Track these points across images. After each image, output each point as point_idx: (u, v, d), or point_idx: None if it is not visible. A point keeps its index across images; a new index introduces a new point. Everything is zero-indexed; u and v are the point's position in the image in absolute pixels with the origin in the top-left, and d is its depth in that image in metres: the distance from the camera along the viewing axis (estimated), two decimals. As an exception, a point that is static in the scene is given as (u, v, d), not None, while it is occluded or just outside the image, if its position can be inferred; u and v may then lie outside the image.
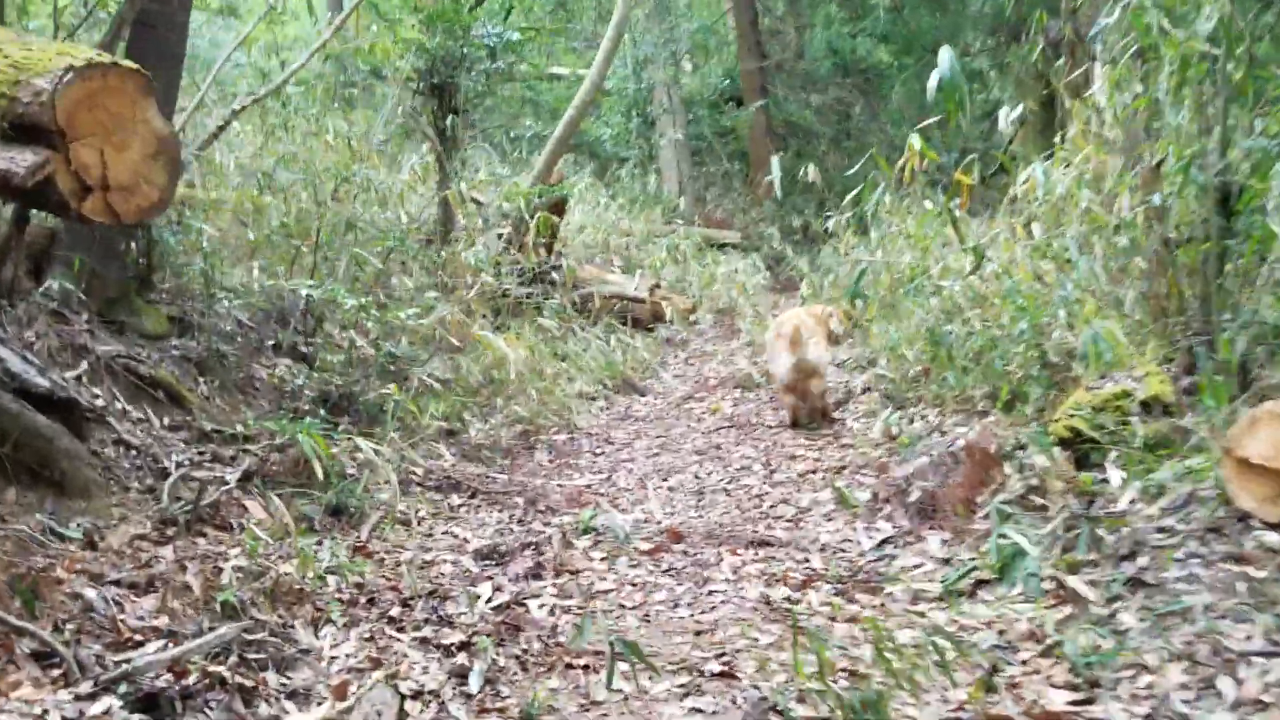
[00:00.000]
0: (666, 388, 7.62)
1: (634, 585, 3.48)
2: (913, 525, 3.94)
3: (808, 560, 3.71)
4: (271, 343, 5.05)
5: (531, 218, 7.53)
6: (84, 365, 4.02)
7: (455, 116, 7.86)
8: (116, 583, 2.97)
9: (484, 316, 6.54)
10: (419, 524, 4.16)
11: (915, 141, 5.78)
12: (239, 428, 4.24)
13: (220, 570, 3.19)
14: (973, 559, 3.65)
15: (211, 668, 2.58)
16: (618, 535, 3.94)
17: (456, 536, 4.06)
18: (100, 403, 3.90)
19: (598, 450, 5.78)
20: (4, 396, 3.35)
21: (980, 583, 3.45)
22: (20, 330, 3.90)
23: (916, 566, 3.64)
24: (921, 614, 3.23)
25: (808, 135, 17.15)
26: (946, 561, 3.68)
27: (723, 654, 2.86)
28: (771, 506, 4.45)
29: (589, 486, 4.97)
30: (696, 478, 5.09)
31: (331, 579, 3.35)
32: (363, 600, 3.25)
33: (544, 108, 16.18)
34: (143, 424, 3.99)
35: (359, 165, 6.03)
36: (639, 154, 14.26)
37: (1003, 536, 3.61)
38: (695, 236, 12.00)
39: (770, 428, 6.06)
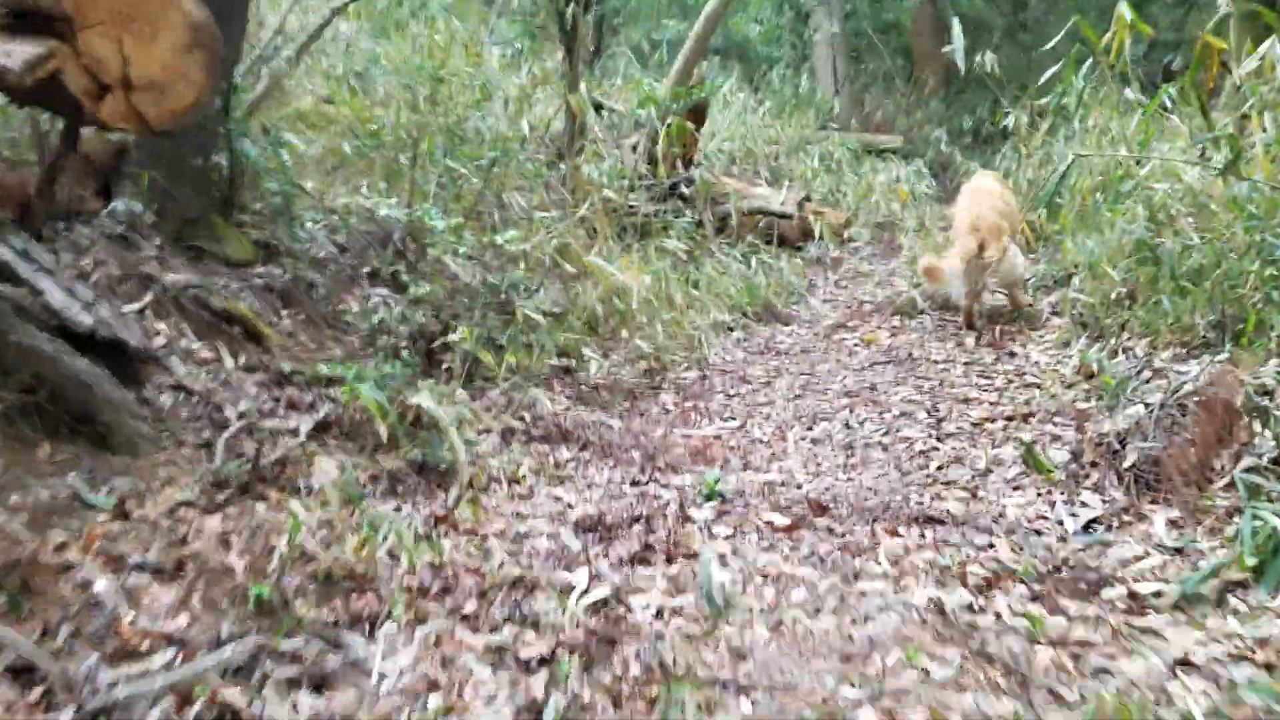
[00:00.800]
0: (814, 315, 6.76)
1: (764, 576, 2.77)
2: (1129, 499, 3.05)
3: (991, 546, 2.89)
4: (368, 270, 4.53)
5: (665, 125, 6.71)
6: (148, 297, 3.58)
7: (582, 10, 7.07)
8: (140, 566, 2.50)
9: (609, 238, 5.84)
10: (518, 483, 3.57)
11: (1125, 10, 4.62)
12: (323, 369, 3.74)
13: (273, 549, 2.69)
14: (1216, 548, 2.77)
15: (225, 691, 2.07)
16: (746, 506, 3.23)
17: (559, 500, 3.44)
18: (161, 341, 3.45)
19: (731, 391, 5.04)
20: (39, 336, 2.92)
21: (1231, 585, 2.57)
22: (77, 259, 3.48)
23: (1139, 559, 2.78)
24: (1154, 632, 2.39)
25: (979, 27, 15.37)
26: (1179, 551, 2.79)
27: (879, 695, 2.13)
28: (940, 468, 3.62)
29: (718, 437, 4.26)
30: (847, 427, 4.29)
31: (404, 557, 2.80)
32: (435, 589, 2.68)
33: (691, 10, 15.10)
34: (211, 365, 3.53)
35: (468, 66, 5.37)
36: (791, 54, 13.03)
37: (1256, 518, 2.70)
38: (851, 142, 10.87)
39: (936, 363, 5.16)
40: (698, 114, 8.20)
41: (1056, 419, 4.02)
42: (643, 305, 5.41)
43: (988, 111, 13.25)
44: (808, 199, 9.12)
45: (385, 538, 2.73)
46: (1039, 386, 4.53)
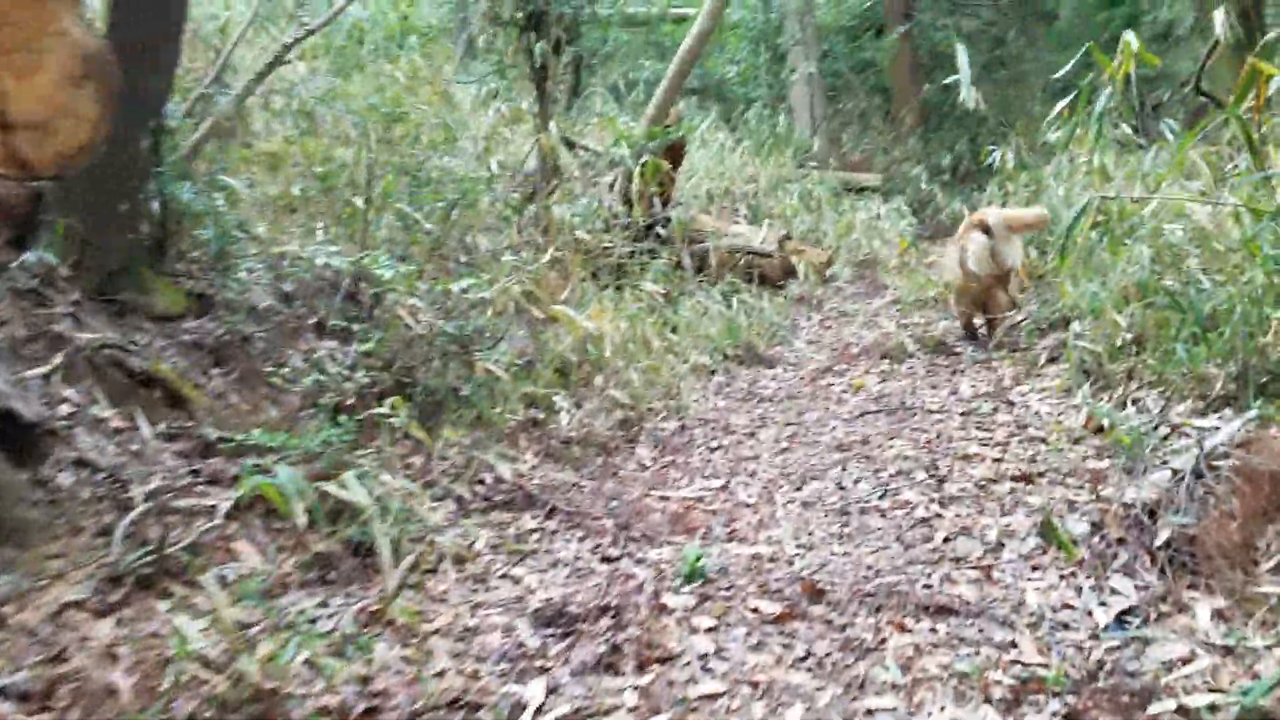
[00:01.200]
0: (799, 357, 6.36)
1: (753, 686, 2.32)
2: (1166, 584, 2.62)
3: (1014, 645, 2.45)
4: (315, 321, 4.09)
5: (639, 163, 6.33)
6: (58, 359, 3.13)
7: (552, 49, 6.72)
8: (2, 691, 2.04)
9: (582, 281, 5.43)
10: (471, 563, 3.11)
11: (1132, 39, 4.29)
12: (256, 434, 3.28)
13: (169, 661, 2.22)
14: (1272, 646, 2.34)
15: None
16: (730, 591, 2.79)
17: (518, 583, 2.99)
18: (67, 409, 2.99)
19: (713, 444, 4.61)
20: (-93, 412, 2.47)
21: (1295, 693, 2.15)
22: (-28, 318, 3.03)
23: (1184, 660, 2.34)
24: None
25: (955, 66, 15.21)
26: (1229, 651, 2.36)
27: None
28: (947, 540, 3.19)
29: (699, 500, 3.82)
30: (839, 487, 3.86)
31: (326, 666, 2.34)
32: (358, 711, 2.22)
33: (668, 50, 14.86)
34: (124, 435, 3.07)
35: (428, 105, 4.98)
36: (768, 94, 12.76)
37: (1315, 611, 2.29)
38: (830, 181, 10.56)
39: (931, 412, 4.75)
40: (675, 152, 7.85)
41: (1069, 480, 3.60)
42: (617, 351, 4.98)
43: (966, 148, 13.02)
44: (788, 237, 8.77)
45: (300, 646, 2.26)
46: (1044, 441, 4.12)
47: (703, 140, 10.08)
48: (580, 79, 14.99)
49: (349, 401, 3.72)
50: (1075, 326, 4.88)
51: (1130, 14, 13.65)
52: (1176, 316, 4.13)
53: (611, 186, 7.45)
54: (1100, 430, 4.05)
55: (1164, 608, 2.51)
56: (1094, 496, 3.28)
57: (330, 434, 3.13)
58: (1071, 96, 4.16)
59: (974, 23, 14.52)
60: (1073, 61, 3.56)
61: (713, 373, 5.98)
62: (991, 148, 7.16)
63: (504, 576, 3.04)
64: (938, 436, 4.36)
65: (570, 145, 8.06)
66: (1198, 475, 2.87)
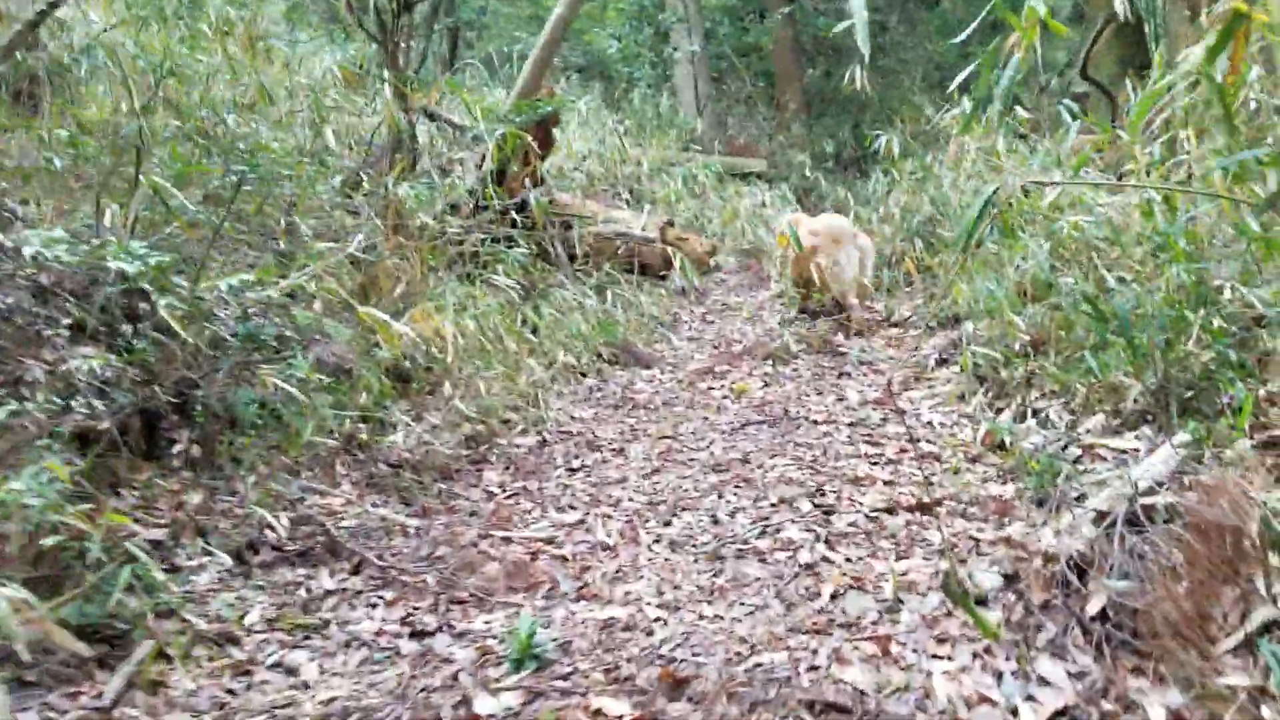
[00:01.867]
0: (678, 356, 5.73)
1: None
2: (1106, 671, 2.06)
3: (924, 765, 1.86)
4: (69, 324, 3.19)
5: (498, 139, 5.56)
6: None
7: (403, 8, 5.86)
8: None
9: (433, 272, 4.64)
10: (237, 645, 2.34)
11: (1039, 5, 3.77)
12: (-48, 478, 2.41)
13: None
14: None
15: None
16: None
17: (292, 677, 2.24)
18: None
19: (575, 463, 3.92)
20: None
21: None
22: None
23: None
24: None
25: (837, 51, 14.87)
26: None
27: None
28: (835, 597, 2.58)
29: (549, 540, 3.12)
30: (714, 521, 3.22)
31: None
32: None
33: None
34: None
35: (251, 62, 4.08)
36: (652, 74, 12.07)
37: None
38: (715, 165, 9.97)
39: (817, 423, 4.17)
40: (546, 129, 7.11)
41: (970, 510, 3.06)
42: (467, 355, 4.23)
43: (849, 135, 12.65)
44: (670, 224, 8.14)
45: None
46: (939, 459, 3.58)
47: (583, 119, 9.34)
48: (456, 50, 14.03)
49: (103, 426, 2.87)
50: (968, 326, 4.38)
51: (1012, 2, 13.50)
52: (1081, 319, 3.65)
53: (479, 165, 6.64)
54: (1001, 447, 3.54)
55: (1106, 705, 1.95)
56: (1004, 539, 2.73)
57: (55, 474, 2.29)
58: (966, 74, 3.61)
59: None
60: (969, 30, 2.97)
61: (583, 375, 5.29)
62: (875, 134, 6.66)
63: (276, 665, 2.28)
64: (824, 453, 3.78)
65: (433, 118, 7.22)
66: (1131, 523, 2.33)
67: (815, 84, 14.10)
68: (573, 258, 7.12)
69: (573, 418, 4.53)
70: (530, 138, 6.38)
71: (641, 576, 2.82)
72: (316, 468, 3.32)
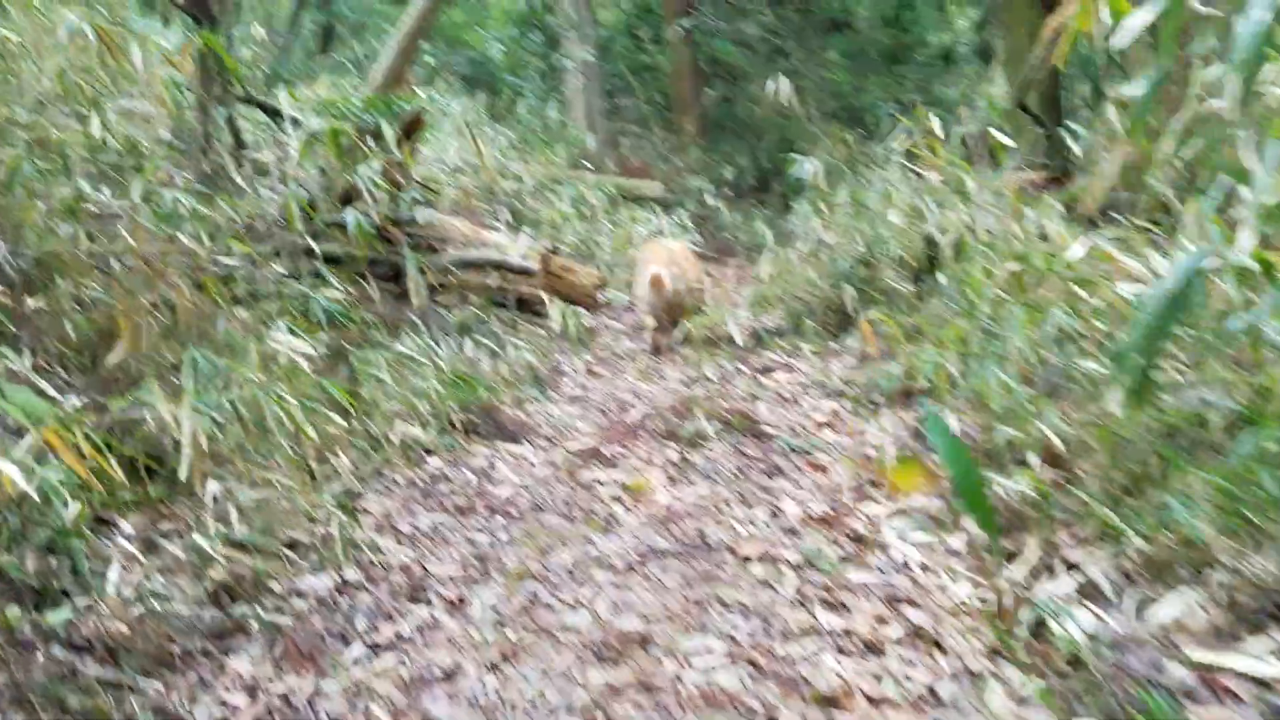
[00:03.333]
0: (556, 426, 4.27)
1: None
2: None
3: None
4: None
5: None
6: None
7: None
8: None
9: (189, 323, 3.02)
10: None
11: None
12: None
13: None
14: None
15: None
16: None
17: None
18: None
19: (383, 631, 2.41)
20: None
21: None
22: None
23: None
24: None
25: (737, 75, 13.76)
26: None
27: None
28: None
29: None
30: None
31: None
32: None
33: (440, 35, 12.32)
34: None
35: None
36: (542, 85, 10.57)
37: None
38: (607, 186, 8.58)
39: (748, 561, 2.79)
40: (407, 132, 5.58)
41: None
42: (238, 450, 2.67)
43: (749, 163, 11.50)
44: (554, 251, 6.69)
45: None
46: (941, 647, 2.25)
47: (458, 128, 7.79)
48: (329, 47, 12.23)
49: None
50: (953, 421, 3.09)
51: (916, 38, 12.69)
52: (1136, 433, 2.40)
53: (323, 170, 5.04)
54: (1037, 634, 2.23)
55: None
56: None
57: None
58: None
59: (755, 30, 13.05)
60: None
61: (428, 453, 3.78)
62: (797, 158, 5.39)
63: None
64: (766, 628, 2.39)
65: (275, 114, 5.55)
66: None
67: (713, 108, 12.94)
68: (433, 289, 5.61)
69: (398, 532, 3.01)
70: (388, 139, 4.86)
71: None
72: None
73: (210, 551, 2.43)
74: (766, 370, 4.79)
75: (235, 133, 5.04)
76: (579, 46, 9.73)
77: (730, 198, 10.34)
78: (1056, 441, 2.61)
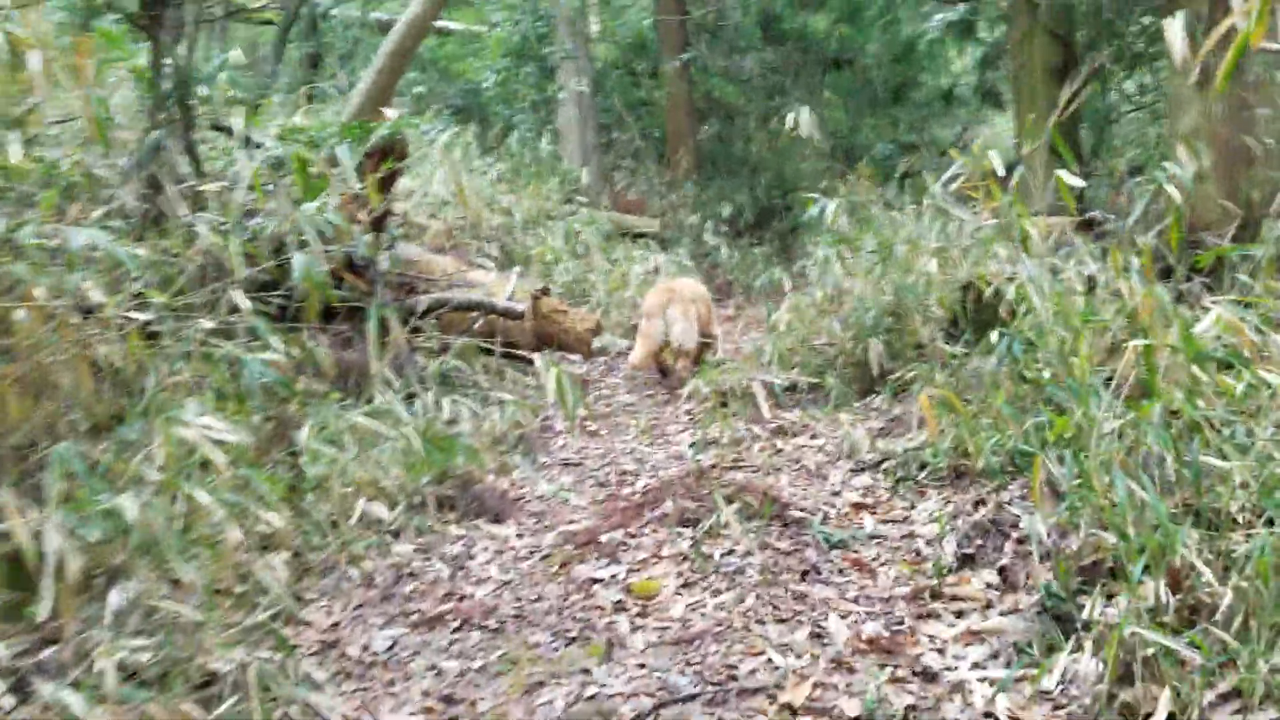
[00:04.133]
0: (546, 502, 3.61)
1: None
2: None
3: None
4: None
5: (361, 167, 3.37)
6: None
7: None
8: None
9: (100, 396, 2.36)
10: None
11: None
12: None
13: None
14: None
15: None
16: None
17: None
18: None
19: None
20: None
21: None
22: None
23: None
24: None
25: (731, 113, 13.27)
26: None
27: None
28: None
29: None
30: None
31: None
32: None
33: (425, 64, 11.75)
34: None
35: None
36: (534, 119, 10.00)
37: None
38: (602, 221, 7.99)
39: (787, 707, 2.14)
40: (379, 159, 4.97)
41: None
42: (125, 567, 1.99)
43: (747, 200, 10.95)
44: (546, 292, 6.07)
45: None
46: None
47: (443, 153, 7.19)
48: (319, 69, 11.69)
49: None
50: (1035, 525, 2.44)
51: (915, 78, 12.24)
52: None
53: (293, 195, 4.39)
54: None
55: None
56: None
57: None
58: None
59: (751, 66, 12.57)
60: None
61: (394, 535, 3.12)
62: (816, 197, 4.80)
63: None
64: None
65: (247, 143, 4.92)
66: None
67: (708, 144, 12.42)
68: (415, 333, 4.98)
69: (344, 658, 2.33)
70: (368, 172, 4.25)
71: None
72: None
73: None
74: (784, 433, 4.16)
75: (195, 161, 4.41)
76: (573, 78, 9.16)
77: (728, 235, 9.77)
78: (1202, 569, 1.97)
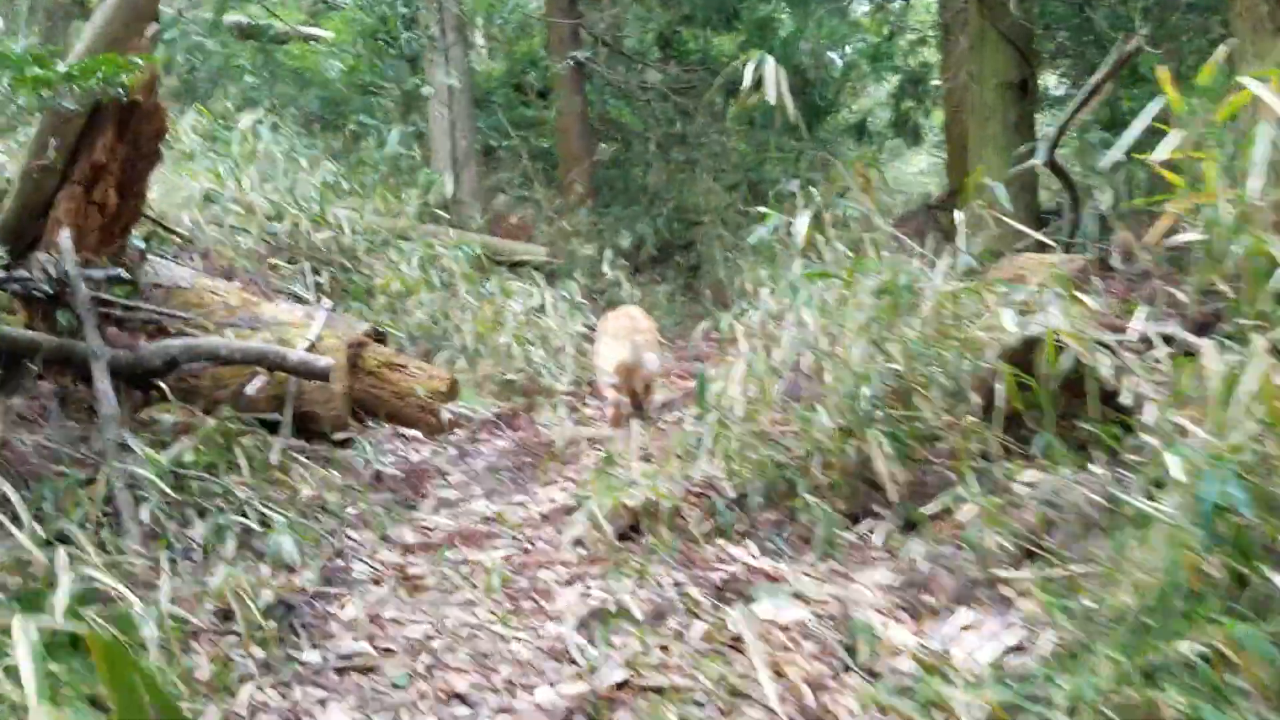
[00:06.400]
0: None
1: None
2: None
3: None
4: None
5: None
6: None
7: None
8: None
9: None
10: None
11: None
12: None
13: None
14: None
15: None
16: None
17: None
18: None
19: None
20: None
21: None
22: None
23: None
24: None
25: (629, 137, 11.67)
26: None
27: None
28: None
29: None
30: None
31: None
32: None
33: (283, 72, 9.46)
34: None
35: None
36: (395, 115, 8.02)
37: None
38: (472, 244, 6.11)
39: None
40: (130, 121, 3.03)
41: None
42: None
43: (649, 230, 9.32)
44: (378, 336, 4.17)
45: None
46: None
47: (244, 142, 5.18)
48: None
49: None
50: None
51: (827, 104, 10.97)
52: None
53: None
54: None
55: None
56: None
57: None
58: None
59: (651, 86, 11.05)
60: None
61: None
62: (769, 212, 3.13)
63: None
64: None
65: None
66: None
67: (605, 169, 10.76)
68: (147, 402, 3.04)
69: None
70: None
71: None
72: None
73: None
74: (736, 592, 2.39)
75: None
76: (443, 69, 7.25)
77: (627, 269, 8.04)
78: None
